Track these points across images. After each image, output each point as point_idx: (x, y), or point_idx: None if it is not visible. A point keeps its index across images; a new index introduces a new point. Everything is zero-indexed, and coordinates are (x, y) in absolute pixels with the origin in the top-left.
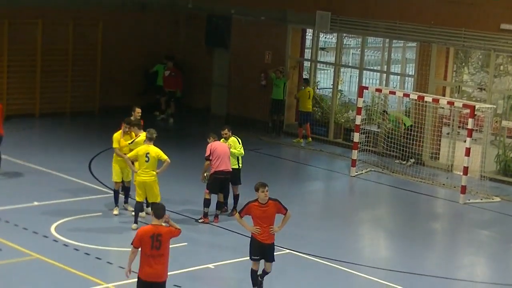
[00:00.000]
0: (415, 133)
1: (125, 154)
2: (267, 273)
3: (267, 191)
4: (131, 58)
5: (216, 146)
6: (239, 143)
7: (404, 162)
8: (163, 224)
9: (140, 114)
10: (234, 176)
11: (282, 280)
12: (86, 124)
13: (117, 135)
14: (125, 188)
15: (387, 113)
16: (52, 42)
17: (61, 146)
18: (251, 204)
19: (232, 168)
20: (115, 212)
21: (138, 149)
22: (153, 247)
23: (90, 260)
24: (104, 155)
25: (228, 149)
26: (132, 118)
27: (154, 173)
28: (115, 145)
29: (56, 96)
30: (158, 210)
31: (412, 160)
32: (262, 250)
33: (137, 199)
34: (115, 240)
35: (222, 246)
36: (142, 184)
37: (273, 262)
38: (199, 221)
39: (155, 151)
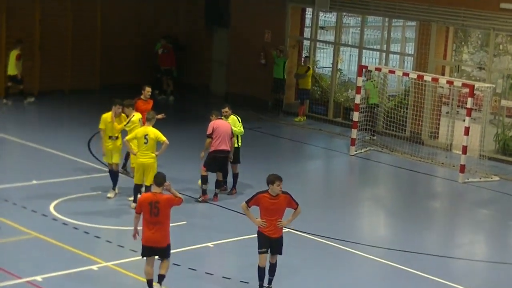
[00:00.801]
0: (415, 112)
1: (115, 137)
2: (274, 270)
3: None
4: (131, 37)
5: (218, 124)
6: (239, 122)
7: (368, 138)
8: (164, 192)
9: (150, 93)
10: (233, 155)
11: (280, 259)
12: (86, 102)
13: (106, 116)
14: (112, 173)
15: (366, 80)
16: (52, 21)
17: (61, 124)
18: (261, 195)
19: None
20: (109, 195)
21: (137, 131)
22: (152, 214)
23: (89, 239)
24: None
25: (230, 128)
26: (142, 97)
27: (153, 155)
28: (101, 125)
29: (56, 73)
30: (158, 179)
31: (372, 137)
32: (269, 244)
33: (136, 181)
34: (114, 219)
35: (221, 225)
36: (141, 166)
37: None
38: (199, 199)
39: (153, 132)
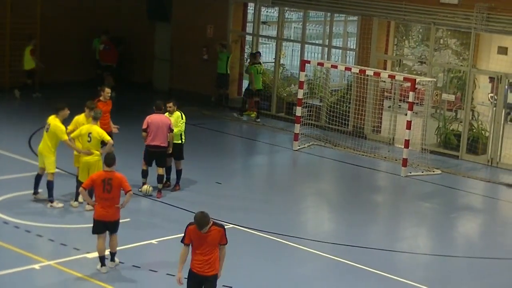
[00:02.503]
0: (358, 107)
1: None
2: None
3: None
4: (72, 32)
5: (152, 119)
6: (182, 118)
7: (240, 116)
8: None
9: (109, 94)
10: (177, 151)
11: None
12: (25, 99)
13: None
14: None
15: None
16: None
17: (0, 122)
18: (190, 228)
19: (175, 143)
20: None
21: (81, 128)
22: (104, 191)
23: (31, 238)
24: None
25: (167, 122)
26: (101, 98)
27: (98, 153)
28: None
29: None
30: (109, 160)
31: (258, 120)
32: (200, 284)
33: (80, 179)
34: (56, 217)
35: (165, 221)
36: (86, 165)
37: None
38: (139, 190)
39: (97, 131)
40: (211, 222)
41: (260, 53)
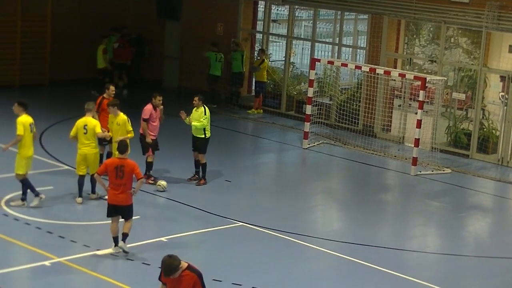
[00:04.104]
0: (368, 105)
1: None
2: None
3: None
4: (81, 31)
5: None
6: (205, 114)
7: (214, 106)
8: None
9: (114, 91)
10: (200, 145)
11: (234, 253)
12: (36, 97)
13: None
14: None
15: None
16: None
17: (11, 119)
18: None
19: (198, 137)
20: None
21: (77, 122)
22: (117, 177)
23: (41, 235)
24: (54, 129)
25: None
26: (105, 95)
27: (94, 145)
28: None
29: (5, 68)
30: (122, 147)
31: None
32: None
33: (78, 172)
34: (66, 214)
35: (174, 219)
36: (84, 157)
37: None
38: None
39: (92, 123)
40: (184, 266)
41: (262, 49)
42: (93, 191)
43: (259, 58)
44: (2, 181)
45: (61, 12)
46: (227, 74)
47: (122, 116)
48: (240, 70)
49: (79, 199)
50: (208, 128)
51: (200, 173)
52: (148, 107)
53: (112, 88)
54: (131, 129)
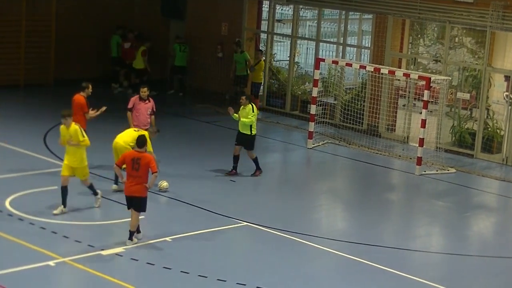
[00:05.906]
0: (372, 105)
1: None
2: None
3: None
4: (86, 30)
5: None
6: (253, 111)
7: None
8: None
9: (91, 90)
10: (247, 142)
11: (238, 253)
12: (40, 97)
13: None
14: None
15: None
16: (4, 13)
17: (15, 119)
18: None
19: (245, 134)
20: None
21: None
22: (133, 168)
23: (45, 234)
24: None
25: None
26: (83, 93)
27: (82, 139)
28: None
29: (10, 68)
30: (140, 141)
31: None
32: None
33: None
34: (70, 214)
35: (179, 219)
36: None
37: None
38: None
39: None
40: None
41: (260, 50)
42: (116, 183)
43: (255, 58)
44: (6, 181)
45: (65, 11)
46: (224, 72)
47: (74, 126)
48: (243, 73)
49: (114, 186)
50: (254, 125)
51: (254, 166)
52: (133, 98)
53: (90, 87)
54: (83, 138)
